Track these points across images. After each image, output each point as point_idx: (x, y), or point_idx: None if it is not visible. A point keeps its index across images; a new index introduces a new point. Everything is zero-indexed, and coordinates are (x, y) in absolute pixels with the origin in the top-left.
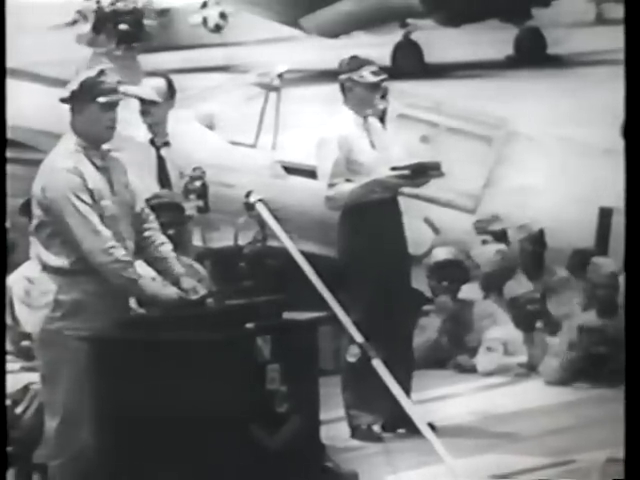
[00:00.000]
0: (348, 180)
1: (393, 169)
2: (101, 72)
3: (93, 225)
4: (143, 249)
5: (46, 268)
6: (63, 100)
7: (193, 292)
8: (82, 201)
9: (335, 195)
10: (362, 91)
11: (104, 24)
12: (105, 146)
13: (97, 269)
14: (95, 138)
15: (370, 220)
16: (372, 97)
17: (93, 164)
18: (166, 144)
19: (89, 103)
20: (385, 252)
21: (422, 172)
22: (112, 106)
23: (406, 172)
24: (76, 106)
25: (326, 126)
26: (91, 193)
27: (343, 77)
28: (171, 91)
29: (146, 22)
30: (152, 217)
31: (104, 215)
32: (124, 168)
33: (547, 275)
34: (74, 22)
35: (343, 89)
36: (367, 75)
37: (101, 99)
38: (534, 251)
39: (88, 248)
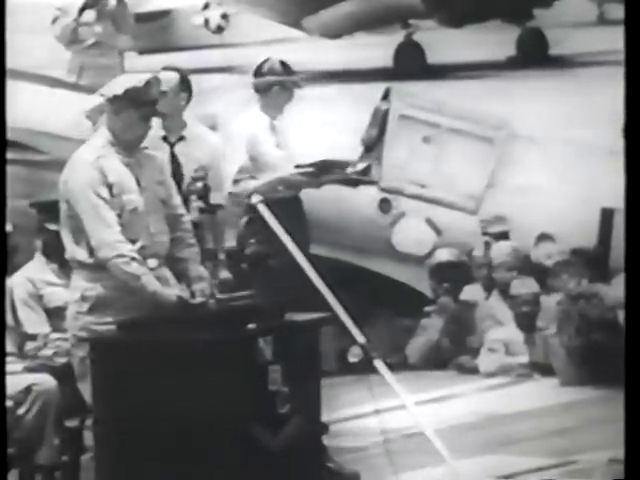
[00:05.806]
0: (252, 177)
1: (297, 167)
2: (148, 83)
3: (103, 218)
4: (172, 247)
5: (74, 262)
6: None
7: (201, 294)
8: (97, 195)
9: (239, 192)
10: (277, 97)
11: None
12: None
13: (103, 263)
14: (126, 141)
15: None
16: (285, 102)
17: (120, 159)
18: (181, 139)
19: (129, 110)
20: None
21: (327, 170)
22: (150, 117)
23: (310, 170)
24: (114, 107)
25: (233, 124)
26: (110, 187)
27: (261, 81)
28: (184, 86)
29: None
30: (186, 218)
31: (125, 209)
32: (160, 166)
33: None
34: (54, 20)
35: (258, 91)
36: (286, 81)
37: (142, 110)
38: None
39: (95, 241)
